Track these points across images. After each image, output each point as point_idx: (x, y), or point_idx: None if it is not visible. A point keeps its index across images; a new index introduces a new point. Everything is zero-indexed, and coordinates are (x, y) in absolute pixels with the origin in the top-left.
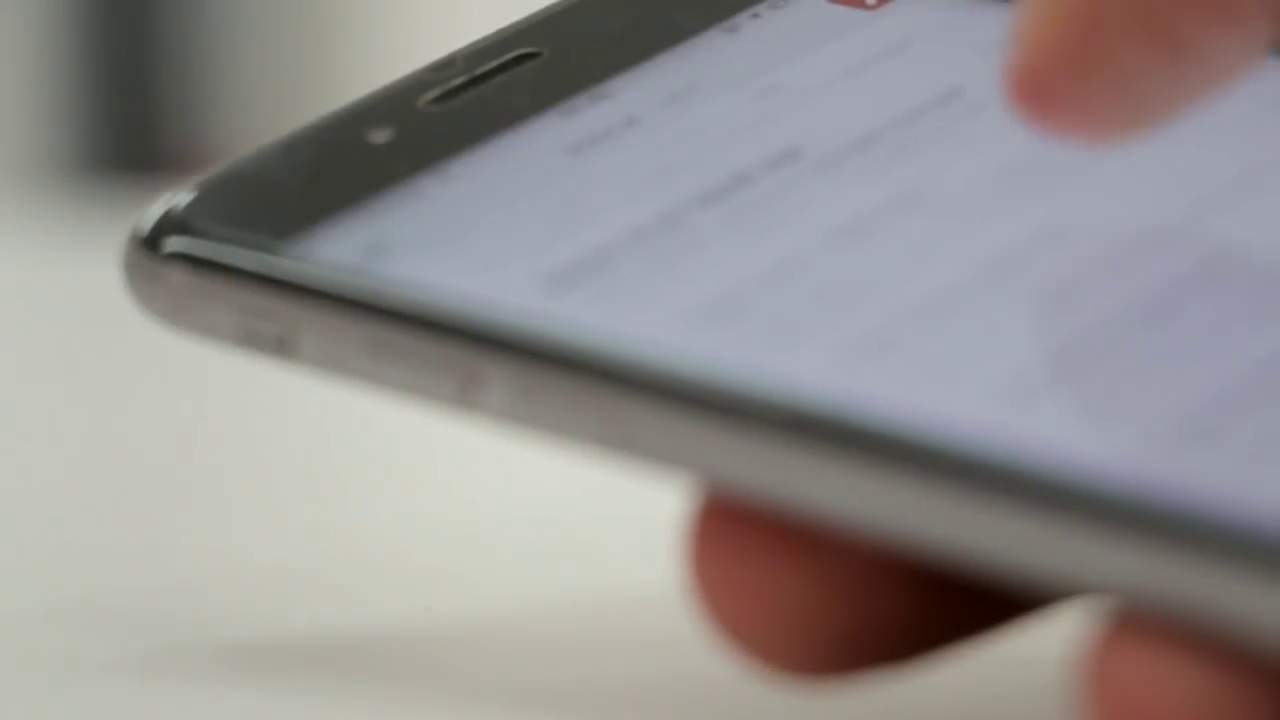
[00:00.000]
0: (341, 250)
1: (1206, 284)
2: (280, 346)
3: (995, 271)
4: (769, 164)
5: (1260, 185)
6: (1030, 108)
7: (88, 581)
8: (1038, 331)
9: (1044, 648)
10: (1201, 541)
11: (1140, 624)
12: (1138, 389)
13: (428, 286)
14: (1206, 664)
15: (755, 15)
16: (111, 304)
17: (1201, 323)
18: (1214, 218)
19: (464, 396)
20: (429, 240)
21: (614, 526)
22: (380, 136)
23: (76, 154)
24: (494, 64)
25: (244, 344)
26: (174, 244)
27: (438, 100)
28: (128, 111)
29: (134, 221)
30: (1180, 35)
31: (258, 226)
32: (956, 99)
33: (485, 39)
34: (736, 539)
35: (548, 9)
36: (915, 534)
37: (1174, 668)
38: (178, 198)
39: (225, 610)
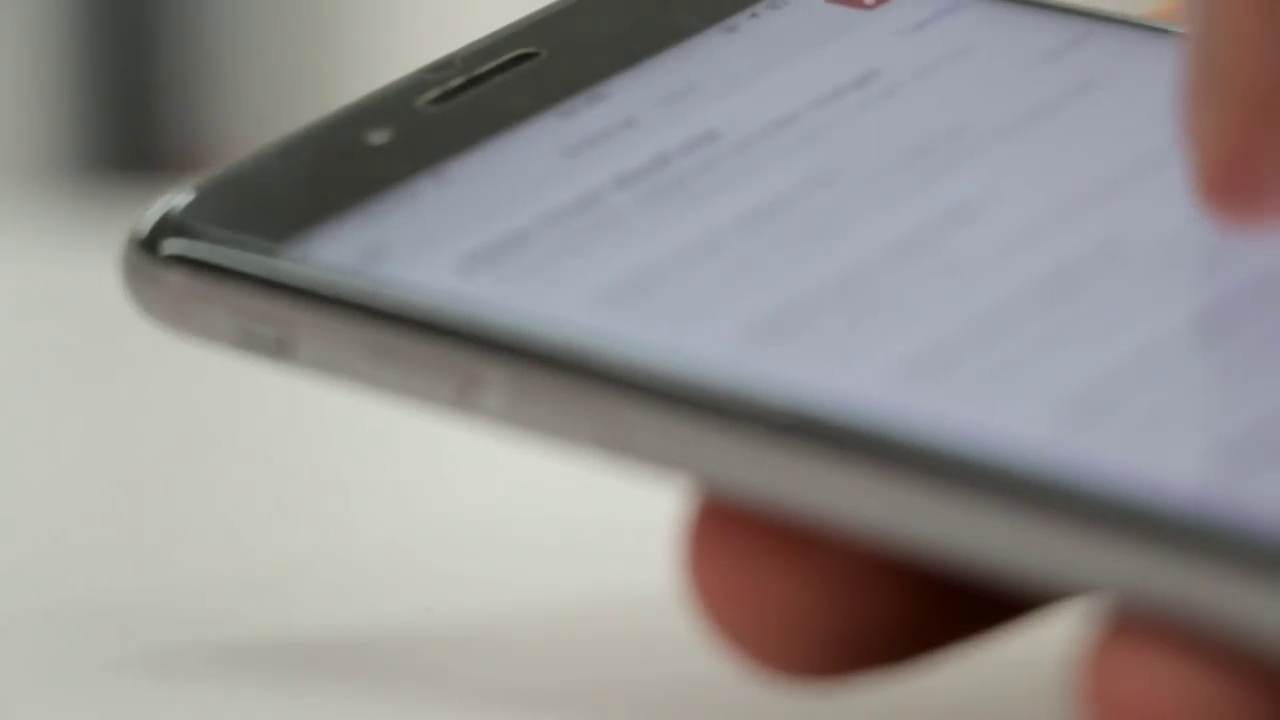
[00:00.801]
0: (340, 252)
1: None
2: (279, 349)
3: (979, 270)
4: (760, 161)
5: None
6: (1233, 210)
7: (88, 581)
8: (1020, 327)
9: (1042, 649)
10: (1201, 543)
11: (1138, 626)
12: (1136, 385)
13: (426, 288)
14: (1204, 665)
15: (754, 15)
16: (111, 304)
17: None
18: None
19: (462, 399)
20: (427, 242)
21: (613, 528)
22: (378, 138)
23: (76, 154)
24: (492, 65)
25: (242, 346)
26: (172, 246)
27: (436, 101)
28: (128, 111)
29: (132, 223)
30: None
31: (256, 228)
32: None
33: (483, 39)
34: (733, 541)
35: (546, 9)
36: (912, 535)
37: (1172, 669)
38: (176, 200)
39: (225, 610)
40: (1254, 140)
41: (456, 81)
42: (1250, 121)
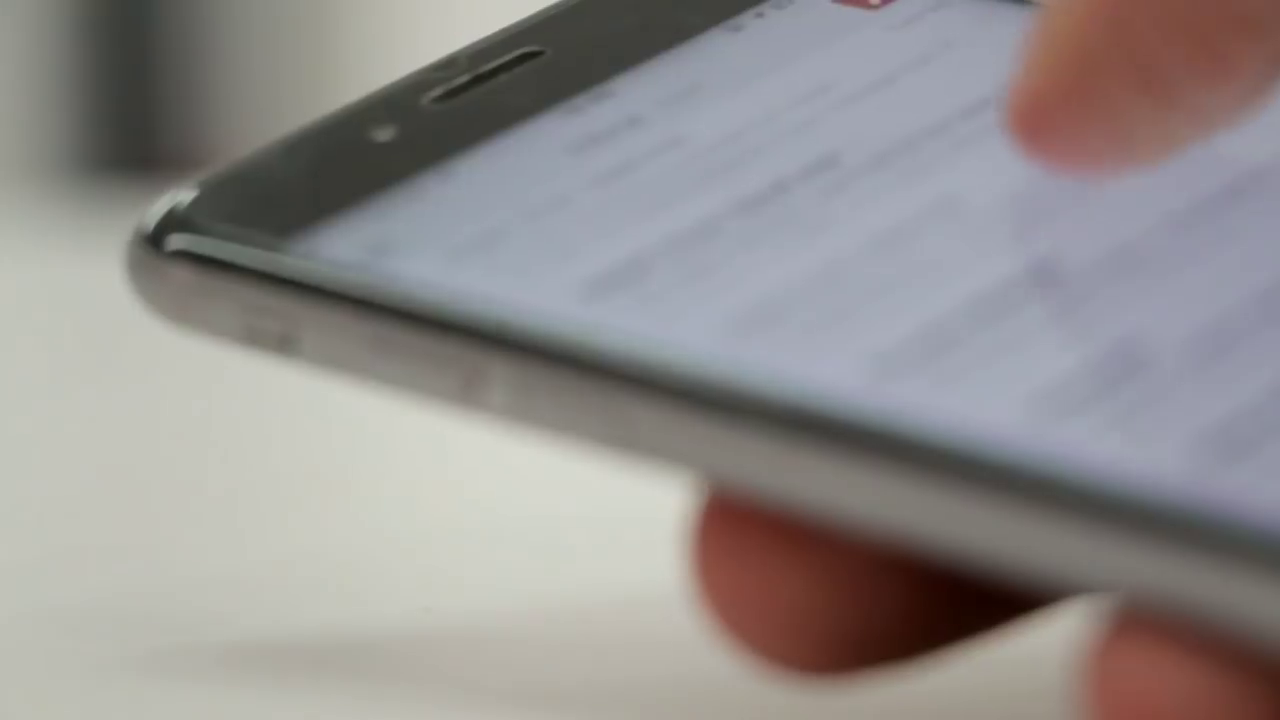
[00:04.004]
0: (345, 248)
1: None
2: (283, 344)
3: (1024, 279)
4: (764, 161)
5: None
6: (1026, 139)
7: (88, 582)
8: (1028, 325)
9: (1044, 648)
10: (1203, 540)
11: (1142, 623)
12: (1137, 383)
13: (430, 284)
14: (1208, 663)
15: (759, 15)
16: (111, 304)
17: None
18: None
19: (466, 394)
20: (432, 238)
21: (616, 526)
22: (384, 135)
23: (76, 154)
24: (497, 63)
25: (247, 342)
26: (178, 241)
27: (441, 99)
28: (128, 111)
29: (138, 219)
30: (1171, 85)
31: (261, 224)
32: (985, 107)
33: (489, 38)
34: (740, 538)
35: (551, 8)
36: (918, 532)
37: (1176, 667)
38: (181, 195)
39: (225, 610)
40: (1057, 90)
41: (461, 80)
42: (1065, 71)
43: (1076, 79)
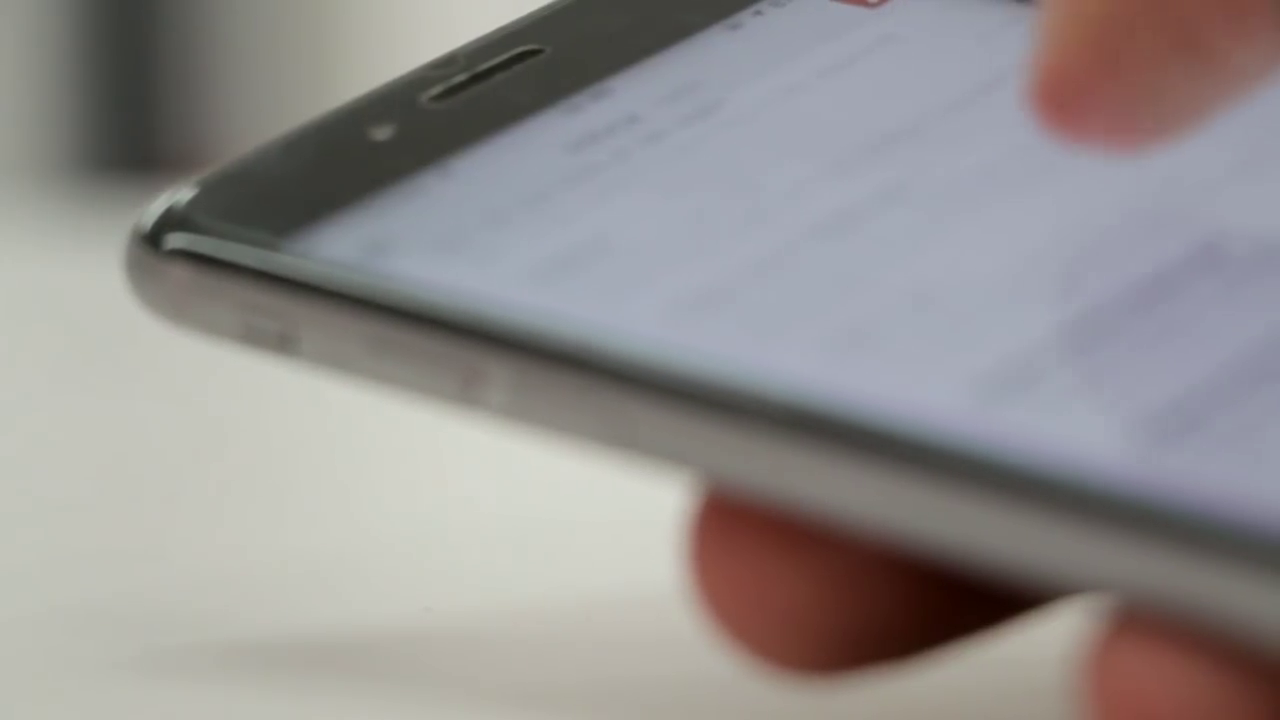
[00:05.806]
0: (343, 247)
1: (1201, 270)
2: (282, 343)
3: (984, 262)
4: (764, 158)
5: (1255, 172)
6: (1053, 116)
7: (88, 582)
8: (1028, 322)
9: (1044, 647)
10: (1203, 540)
11: (1142, 623)
12: (1137, 382)
13: (429, 283)
14: (1208, 663)
15: (758, 13)
16: (110, 304)
17: (1200, 311)
18: (1207, 203)
19: (465, 394)
20: (430, 237)
21: (615, 526)
22: (382, 133)
23: (76, 154)
24: (496, 61)
25: (245, 341)
26: (176, 241)
27: (440, 97)
28: (128, 111)
29: (136, 218)
30: (1201, 39)
31: (260, 223)
32: (949, 94)
33: (487, 36)
34: (738, 536)
35: (550, 6)
36: (916, 531)
37: (1176, 667)
38: (180, 194)
39: (225, 610)
40: (1087, 60)
41: (460, 78)
42: (1089, 43)
43: (1107, 43)
